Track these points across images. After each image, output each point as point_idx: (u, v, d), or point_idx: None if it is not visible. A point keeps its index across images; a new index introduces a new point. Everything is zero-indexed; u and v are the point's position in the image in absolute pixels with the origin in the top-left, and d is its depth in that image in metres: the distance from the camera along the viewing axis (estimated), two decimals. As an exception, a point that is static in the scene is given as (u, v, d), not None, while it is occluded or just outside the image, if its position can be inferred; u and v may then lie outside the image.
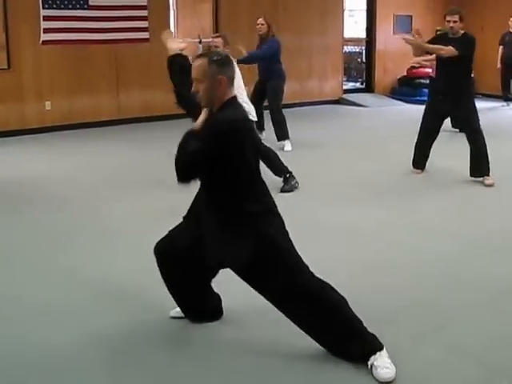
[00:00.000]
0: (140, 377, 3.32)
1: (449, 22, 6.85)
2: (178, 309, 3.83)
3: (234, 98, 3.38)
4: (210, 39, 6.94)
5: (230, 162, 3.24)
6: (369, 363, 3.26)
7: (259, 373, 3.32)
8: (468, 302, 4.13)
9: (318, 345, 3.40)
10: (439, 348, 3.53)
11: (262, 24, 8.86)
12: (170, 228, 3.63)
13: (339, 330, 3.34)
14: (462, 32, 6.91)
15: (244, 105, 6.69)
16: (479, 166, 7.03)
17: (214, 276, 3.71)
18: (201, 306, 3.79)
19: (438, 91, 7.21)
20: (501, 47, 12.76)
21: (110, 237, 5.42)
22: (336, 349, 3.38)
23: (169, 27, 11.77)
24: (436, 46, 6.91)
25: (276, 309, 3.42)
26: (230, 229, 3.32)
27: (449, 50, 6.75)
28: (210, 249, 3.40)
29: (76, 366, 3.41)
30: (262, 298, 3.43)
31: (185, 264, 3.55)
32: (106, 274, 4.59)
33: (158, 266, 3.64)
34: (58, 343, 3.62)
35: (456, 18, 6.82)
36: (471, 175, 7.09)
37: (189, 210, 3.60)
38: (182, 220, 3.62)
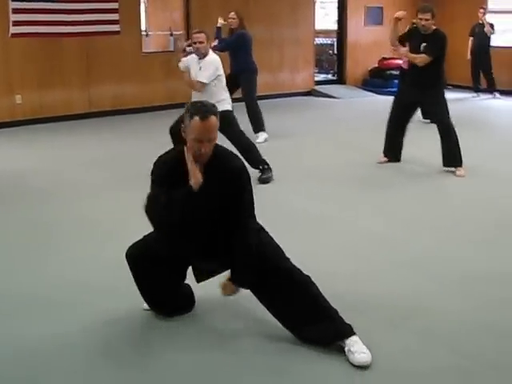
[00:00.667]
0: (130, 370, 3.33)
1: (421, 19, 7.01)
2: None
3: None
4: (193, 37, 6.68)
5: None
6: (345, 349, 3.31)
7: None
8: (440, 290, 4.19)
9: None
10: (412, 336, 3.58)
11: (234, 18, 8.94)
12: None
13: (315, 314, 3.41)
14: (434, 28, 7.05)
15: (224, 93, 6.79)
16: (451, 157, 7.13)
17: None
18: (173, 303, 3.79)
19: (407, 84, 7.41)
20: (471, 38, 12.87)
21: (89, 230, 5.40)
22: (311, 333, 3.41)
23: (139, 20, 11.70)
24: (412, 55, 7.12)
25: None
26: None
27: (423, 59, 6.97)
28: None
29: (63, 359, 3.41)
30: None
31: (159, 264, 3.57)
32: (88, 268, 4.57)
33: (131, 268, 3.65)
34: (42, 335, 3.62)
35: (428, 16, 6.96)
36: (444, 165, 7.17)
37: None
38: None
